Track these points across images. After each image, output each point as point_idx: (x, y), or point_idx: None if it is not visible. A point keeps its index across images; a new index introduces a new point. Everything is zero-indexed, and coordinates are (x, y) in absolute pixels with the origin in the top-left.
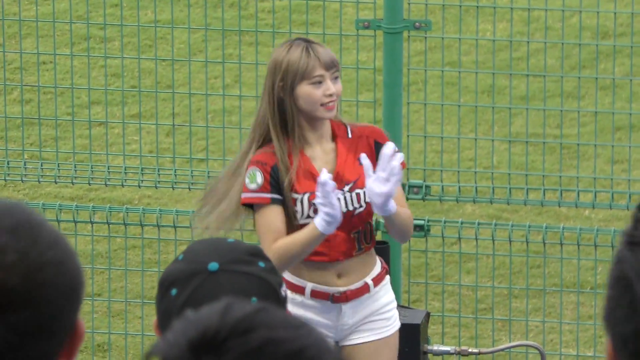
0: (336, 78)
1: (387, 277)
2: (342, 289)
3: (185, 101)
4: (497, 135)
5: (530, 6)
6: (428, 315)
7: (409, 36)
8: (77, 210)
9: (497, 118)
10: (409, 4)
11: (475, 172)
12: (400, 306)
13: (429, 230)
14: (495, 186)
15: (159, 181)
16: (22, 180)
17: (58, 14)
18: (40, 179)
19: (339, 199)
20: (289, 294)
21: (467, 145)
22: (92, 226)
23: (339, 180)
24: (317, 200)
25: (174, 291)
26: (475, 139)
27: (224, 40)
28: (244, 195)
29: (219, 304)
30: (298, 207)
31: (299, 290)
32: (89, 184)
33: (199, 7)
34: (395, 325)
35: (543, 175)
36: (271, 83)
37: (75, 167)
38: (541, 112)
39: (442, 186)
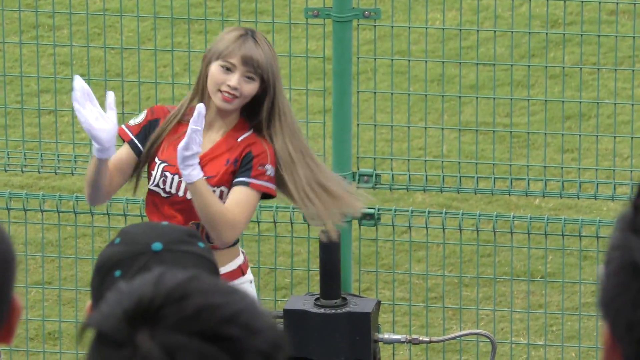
0: (250, 78)
1: (242, 279)
2: None
3: (134, 89)
4: (447, 124)
5: None
6: (379, 303)
7: (358, 25)
8: (27, 198)
9: (446, 107)
10: None
11: (425, 161)
12: (350, 294)
13: (379, 219)
14: (445, 175)
15: None
16: None
17: (7, 2)
18: None
19: (180, 181)
20: None
21: (417, 134)
22: (42, 214)
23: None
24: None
25: (117, 272)
26: (425, 128)
27: (173, 28)
28: (122, 126)
29: (151, 274)
30: (154, 172)
31: None
32: (39, 172)
33: None
34: None
35: (493, 164)
36: (206, 52)
37: (24, 155)
38: (491, 100)
39: (392, 175)
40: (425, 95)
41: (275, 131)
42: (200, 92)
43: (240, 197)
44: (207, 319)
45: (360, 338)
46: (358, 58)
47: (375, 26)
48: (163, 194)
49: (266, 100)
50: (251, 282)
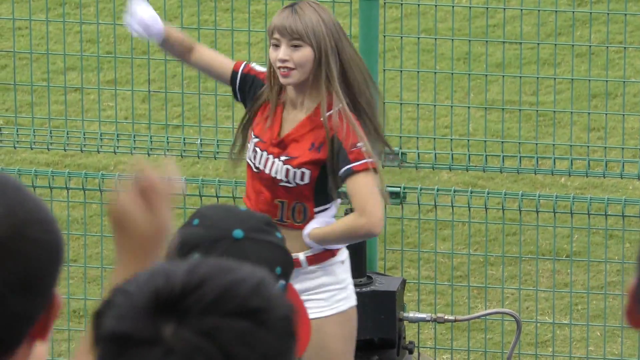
0: (296, 47)
1: (333, 260)
2: None
3: (160, 67)
4: (473, 103)
5: None
6: (404, 282)
7: (385, 3)
8: (53, 176)
9: (473, 85)
10: None
11: (451, 140)
12: (375, 273)
13: (404, 197)
14: (471, 153)
15: (134, 147)
16: None
17: None
18: (16, 145)
19: (273, 162)
20: None
21: (443, 112)
22: (67, 192)
23: (283, 146)
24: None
25: (196, 256)
26: (451, 106)
27: (200, 6)
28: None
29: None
30: (249, 145)
31: None
32: (65, 150)
33: None
34: (334, 308)
35: (519, 143)
36: None
37: (51, 133)
38: (517, 79)
39: (418, 153)
40: (452, 73)
41: (342, 95)
42: (273, 74)
43: (354, 188)
44: (231, 297)
45: (386, 317)
46: (384, 36)
47: (402, 4)
48: (254, 169)
49: (321, 61)
50: (343, 263)
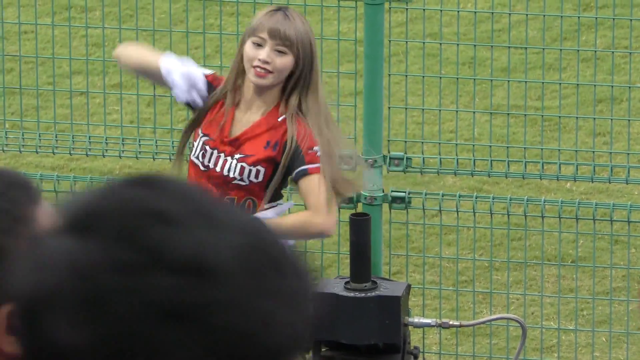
0: (281, 52)
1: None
2: None
3: None
4: (478, 107)
5: None
6: (409, 287)
7: (390, 7)
8: (58, 180)
9: (478, 90)
10: None
11: (456, 144)
12: (380, 278)
13: (409, 202)
14: (476, 158)
15: (139, 151)
16: (2, 150)
17: None
18: (22, 149)
19: (225, 160)
20: None
21: (448, 117)
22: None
23: (237, 145)
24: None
25: None
26: (457, 111)
27: (205, 10)
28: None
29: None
30: (196, 143)
31: None
32: (70, 153)
33: None
34: None
35: (524, 148)
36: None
37: (56, 136)
38: (522, 84)
39: (423, 158)
40: (457, 78)
41: (308, 110)
42: (238, 72)
43: (309, 187)
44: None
45: (390, 322)
46: (390, 41)
47: (407, 9)
48: (202, 167)
49: (295, 73)
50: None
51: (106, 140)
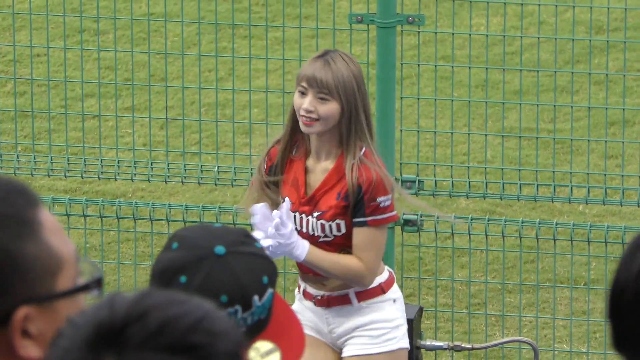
0: (323, 100)
1: (383, 297)
2: (324, 293)
3: (178, 94)
4: (491, 130)
5: (523, 0)
6: (421, 310)
7: (402, 30)
8: (70, 203)
9: (490, 112)
10: None
11: (469, 167)
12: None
13: (422, 225)
14: (488, 181)
15: (152, 174)
16: (14, 173)
17: (52, 7)
18: (34, 172)
19: (307, 220)
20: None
21: (460, 139)
22: (85, 219)
23: (313, 203)
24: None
25: (183, 278)
26: (469, 134)
27: (218, 33)
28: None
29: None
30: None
31: (299, 288)
32: (82, 177)
33: (193, 0)
34: (383, 346)
35: (536, 170)
36: None
37: (68, 159)
38: (535, 106)
39: (435, 181)
40: (469, 101)
41: (372, 154)
42: (293, 122)
43: (362, 238)
44: (171, 331)
45: None
46: (402, 64)
47: (419, 32)
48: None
49: (344, 117)
50: (394, 301)
51: (118, 163)
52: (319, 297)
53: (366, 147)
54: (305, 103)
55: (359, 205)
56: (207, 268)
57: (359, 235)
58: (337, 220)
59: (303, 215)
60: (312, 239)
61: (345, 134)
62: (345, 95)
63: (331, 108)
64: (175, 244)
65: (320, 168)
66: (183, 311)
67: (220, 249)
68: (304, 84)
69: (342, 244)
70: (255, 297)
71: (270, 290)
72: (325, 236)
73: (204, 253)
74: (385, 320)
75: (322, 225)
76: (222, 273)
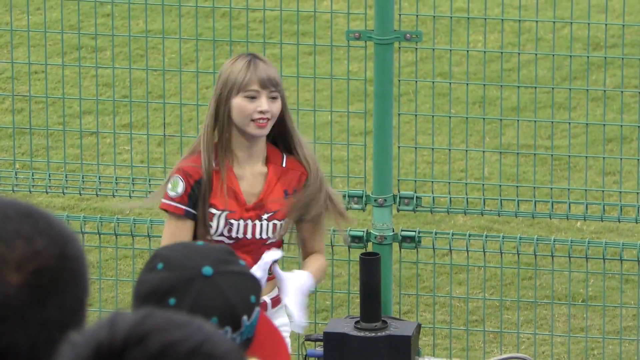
0: (274, 98)
1: (282, 303)
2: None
3: (176, 111)
4: (488, 147)
5: (521, 17)
6: (419, 326)
7: (399, 47)
8: (68, 220)
9: (488, 129)
10: (399, 15)
11: (466, 184)
12: (391, 318)
13: (419, 241)
14: (486, 197)
15: (150, 191)
16: (13, 190)
17: (50, 24)
18: (32, 189)
19: (254, 225)
20: None
21: (458, 156)
22: (83, 236)
23: (261, 207)
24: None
25: (172, 300)
26: (466, 150)
27: (215, 50)
28: (163, 200)
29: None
30: (214, 223)
31: None
32: (80, 194)
33: (190, 17)
34: None
35: (534, 187)
36: (214, 92)
37: (66, 176)
38: (532, 123)
39: (433, 197)
40: (467, 117)
41: (296, 146)
42: (223, 129)
43: (322, 229)
44: (171, 355)
45: None
46: (399, 80)
47: (416, 48)
48: (228, 241)
49: (285, 115)
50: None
51: (116, 180)
52: None
53: (295, 142)
54: (263, 105)
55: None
56: (196, 289)
57: (319, 224)
58: (287, 219)
59: (249, 221)
60: (259, 243)
61: (287, 127)
62: (283, 91)
63: (279, 105)
64: (160, 264)
65: (251, 172)
66: (184, 335)
67: (207, 270)
68: (255, 87)
69: (280, 244)
70: (245, 317)
71: (257, 309)
72: (274, 237)
73: (192, 274)
74: (287, 324)
75: (275, 225)
76: (212, 294)
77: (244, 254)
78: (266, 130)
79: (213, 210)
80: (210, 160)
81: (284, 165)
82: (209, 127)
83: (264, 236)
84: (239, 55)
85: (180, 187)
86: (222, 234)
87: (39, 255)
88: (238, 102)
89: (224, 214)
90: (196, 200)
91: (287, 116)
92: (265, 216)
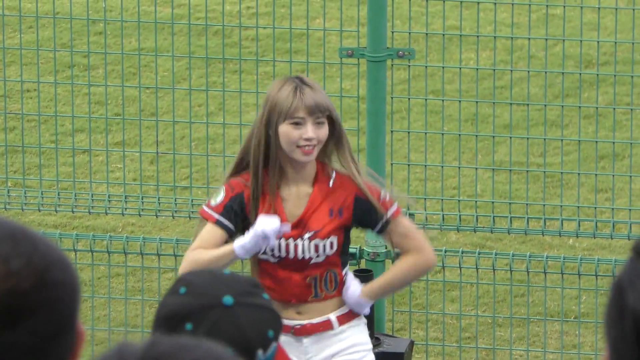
0: (320, 124)
1: (358, 320)
2: (303, 322)
3: (169, 129)
4: (481, 164)
5: (513, 35)
6: (412, 344)
7: (392, 64)
8: (61, 238)
9: (480, 146)
10: (392, 32)
11: (459, 201)
12: (384, 335)
13: None
14: (478, 215)
15: (142, 209)
16: (5, 208)
17: (42, 42)
18: (24, 207)
19: (295, 244)
20: None
21: (450, 173)
22: (75, 254)
23: (302, 226)
24: (258, 230)
25: (189, 326)
26: (459, 167)
27: (208, 68)
28: (202, 207)
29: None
30: None
31: None
32: (73, 211)
33: (183, 35)
34: None
35: (527, 204)
36: (260, 116)
37: (58, 194)
38: (525, 140)
39: (426, 214)
40: (459, 134)
41: (347, 164)
42: (272, 157)
43: (403, 231)
44: None
45: None
46: (392, 97)
47: (409, 66)
48: (273, 260)
49: (334, 136)
50: (365, 324)
51: (109, 197)
52: (298, 327)
53: (343, 161)
54: (307, 132)
55: (371, 211)
56: (214, 318)
57: (398, 229)
58: (331, 238)
59: (290, 241)
60: (302, 263)
61: (335, 148)
62: (334, 113)
63: (326, 130)
64: (183, 288)
65: (297, 194)
66: (195, 357)
67: (228, 299)
68: (300, 114)
69: (333, 263)
70: (260, 351)
71: (274, 344)
72: (318, 257)
73: (212, 302)
74: (365, 343)
75: (316, 246)
76: (229, 325)
77: (290, 272)
78: (312, 156)
79: None
80: (259, 182)
81: (331, 184)
82: (260, 153)
83: (307, 256)
84: (286, 79)
85: (220, 197)
86: (265, 252)
87: (13, 276)
88: (285, 129)
89: None
90: (233, 214)
91: (334, 136)
92: (306, 236)
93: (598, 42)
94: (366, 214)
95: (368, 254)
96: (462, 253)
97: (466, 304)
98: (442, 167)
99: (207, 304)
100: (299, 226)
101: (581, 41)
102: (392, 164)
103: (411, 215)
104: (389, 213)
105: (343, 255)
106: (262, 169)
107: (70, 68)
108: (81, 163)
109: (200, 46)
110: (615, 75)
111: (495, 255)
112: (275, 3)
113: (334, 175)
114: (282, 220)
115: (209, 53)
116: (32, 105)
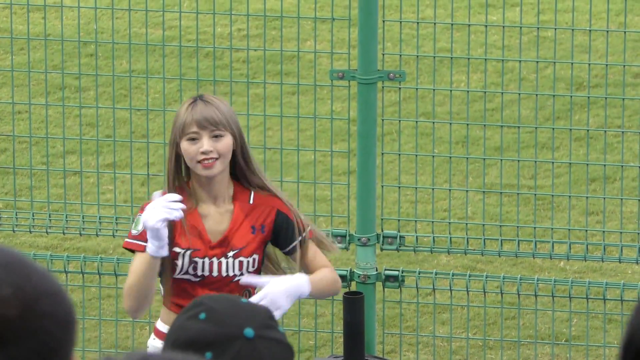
0: (218, 137)
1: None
2: None
3: (160, 151)
4: (472, 186)
5: (504, 57)
6: None
7: (383, 87)
8: (52, 259)
9: (471, 169)
10: (383, 54)
11: (450, 223)
12: (374, 357)
13: (403, 280)
14: (469, 237)
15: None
16: None
17: (33, 64)
18: (15, 228)
19: (219, 262)
20: (158, 343)
21: (441, 195)
22: (66, 276)
23: (226, 244)
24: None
25: (209, 355)
26: (450, 190)
27: (199, 90)
28: (126, 239)
29: None
30: (179, 261)
31: (157, 332)
32: (64, 233)
33: (174, 57)
34: None
35: (517, 226)
36: (170, 135)
37: (49, 216)
38: (515, 162)
39: (417, 237)
40: (450, 157)
41: (256, 180)
42: (181, 176)
43: (313, 252)
44: None
45: None
46: (383, 120)
47: (400, 88)
48: (194, 279)
49: (237, 149)
50: None
51: (100, 219)
52: None
53: (257, 179)
54: (203, 146)
55: (289, 227)
56: (236, 349)
57: (310, 249)
58: (254, 255)
59: (214, 259)
60: (225, 281)
61: (244, 163)
62: (235, 125)
63: (227, 142)
64: (203, 314)
65: (217, 212)
66: None
67: (249, 332)
68: (194, 129)
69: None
70: None
71: None
72: (241, 274)
73: (234, 333)
74: None
75: (241, 263)
76: (251, 357)
77: (210, 291)
78: (215, 170)
79: (177, 249)
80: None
81: (251, 202)
82: (170, 171)
83: (230, 273)
84: (190, 97)
85: (141, 225)
86: (187, 272)
87: (0, 303)
88: (184, 146)
89: (188, 252)
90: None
91: (239, 152)
92: (230, 254)
93: (589, 64)
94: (283, 231)
95: (358, 276)
96: (452, 275)
97: (457, 327)
98: (433, 189)
99: (229, 334)
100: (223, 244)
101: (572, 64)
102: (382, 186)
103: (402, 237)
104: (306, 232)
105: (261, 273)
106: (174, 188)
107: (61, 90)
108: (72, 185)
109: (191, 68)
110: (606, 98)
111: (486, 277)
112: (266, 25)
113: (252, 192)
114: (204, 239)
115: (200, 75)
116: (23, 127)
